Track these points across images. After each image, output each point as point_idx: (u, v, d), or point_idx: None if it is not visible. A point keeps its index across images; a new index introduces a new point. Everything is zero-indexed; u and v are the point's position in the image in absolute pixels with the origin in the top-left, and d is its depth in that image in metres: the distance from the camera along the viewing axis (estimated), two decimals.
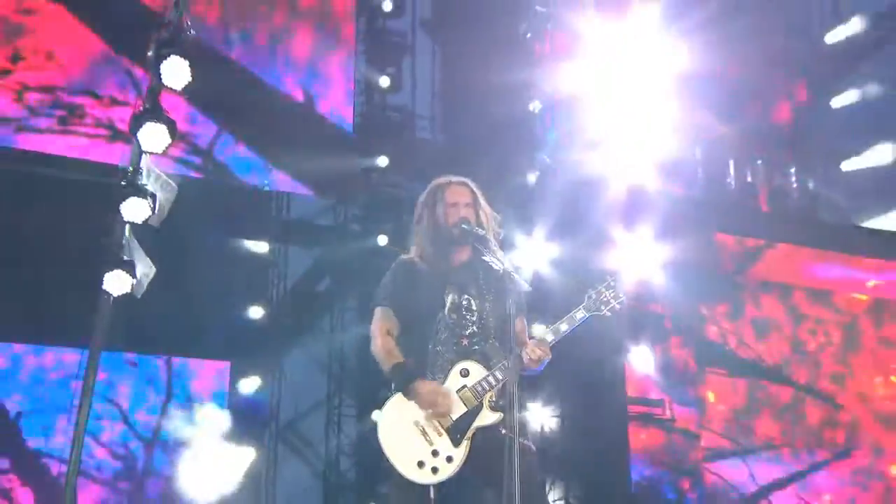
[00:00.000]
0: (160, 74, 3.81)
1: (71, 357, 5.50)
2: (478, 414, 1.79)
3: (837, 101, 9.11)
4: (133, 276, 3.73)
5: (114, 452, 6.05)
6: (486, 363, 1.84)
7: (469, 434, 1.77)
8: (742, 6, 8.42)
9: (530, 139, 7.28)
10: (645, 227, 6.68)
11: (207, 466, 5.93)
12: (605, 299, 1.94)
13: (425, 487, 1.72)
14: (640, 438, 7.12)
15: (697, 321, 7.83)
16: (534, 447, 2.00)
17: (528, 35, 7.19)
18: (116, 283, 3.66)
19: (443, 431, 1.77)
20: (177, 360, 6.45)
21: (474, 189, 2.10)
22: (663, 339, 7.39)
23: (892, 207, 8.97)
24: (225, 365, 6.64)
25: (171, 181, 4.09)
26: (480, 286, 2.00)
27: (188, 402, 6.37)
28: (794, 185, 8.81)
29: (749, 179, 8.65)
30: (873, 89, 9.04)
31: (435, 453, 1.73)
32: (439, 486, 1.73)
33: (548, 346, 1.84)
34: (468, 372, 1.84)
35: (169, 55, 3.73)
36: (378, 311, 2.06)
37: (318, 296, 7.60)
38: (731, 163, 8.55)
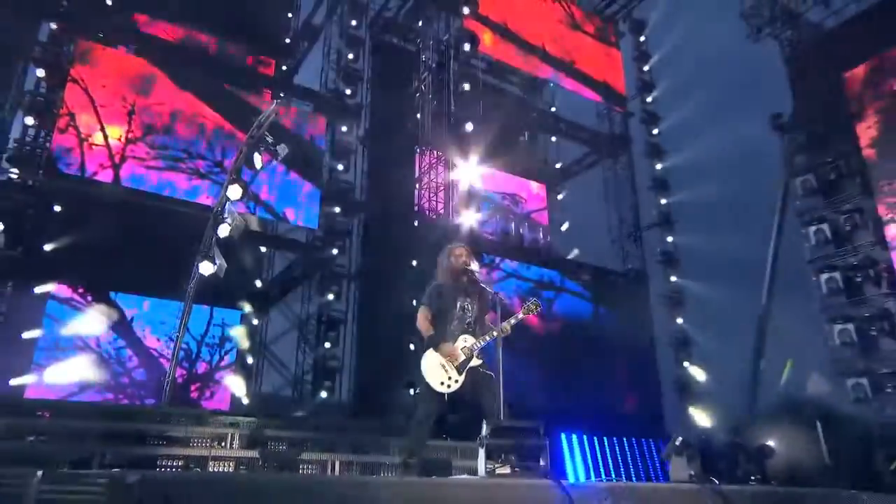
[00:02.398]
0: (248, 159, 6.23)
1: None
2: (470, 360, 3.55)
3: None
4: (215, 264, 7.11)
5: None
6: (475, 336, 3.62)
7: (465, 369, 3.52)
8: None
9: None
10: None
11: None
12: (531, 307, 3.69)
13: (443, 394, 3.48)
14: None
15: None
16: (490, 373, 3.59)
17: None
18: (206, 268, 7.16)
19: (453, 368, 3.50)
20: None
21: (467, 247, 4.01)
22: None
23: None
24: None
25: (239, 216, 7.85)
26: (473, 297, 3.76)
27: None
28: None
29: None
30: None
31: (449, 378, 3.49)
32: (449, 395, 3.49)
33: (509, 330, 3.54)
34: (466, 340, 3.61)
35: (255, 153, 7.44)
36: (422, 307, 3.79)
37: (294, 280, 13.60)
38: None
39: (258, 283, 13.34)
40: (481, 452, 3.23)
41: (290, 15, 14.68)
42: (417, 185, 13.60)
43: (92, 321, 10.41)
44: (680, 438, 8.23)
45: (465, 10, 12.88)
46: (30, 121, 10.27)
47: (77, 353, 10.29)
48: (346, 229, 13.02)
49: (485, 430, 3.33)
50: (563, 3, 16.04)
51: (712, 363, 13.22)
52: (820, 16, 13.77)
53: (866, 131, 13.43)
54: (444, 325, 3.66)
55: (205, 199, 11.44)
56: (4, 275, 9.69)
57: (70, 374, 9.95)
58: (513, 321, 3.56)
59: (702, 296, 13.57)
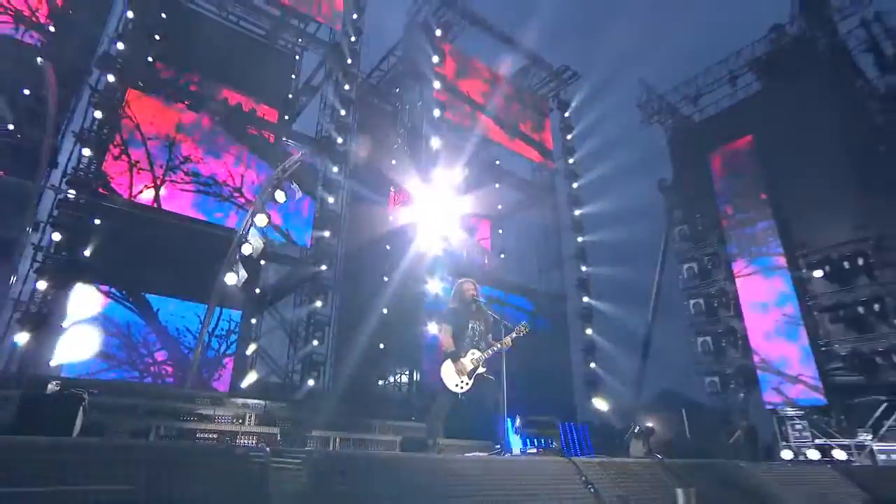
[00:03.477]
0: (272, 193, 8.62)
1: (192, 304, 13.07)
2: (476, 369, 4.35)
3: None
4: (238, 276, 10.14)
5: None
6: (480, 350, 4.41)
7: (473, 375, 4.33)
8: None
9: None
10: None
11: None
12: (522, 328, 4.42)
13: (456, 394, 4.30)
14: None
15: None
16: (492, 377, 4.42)
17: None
18: (231, 278, 10.38)
19: (464, 374, 4.30)
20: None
21: (474, 281, 4.85)
22: None
23: None
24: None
25: (260, 238, 10.27)
26: (480, 320, 4.59)
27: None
28: None
29: None
30: None
31: (462, 381, 4.29)
32: (461, 395, 4.31)
33: (510, 343, 4.37)
34: (474, 353, 4.40)
35: (277, 190, 9.22)
36: (444, 327, 4.56)
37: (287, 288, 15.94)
38: None
39: (257, 290, 15.97)
40: (517, 438, 4.88)
41: (293, 77, 17.86)
42: (391, 216, 17.00)
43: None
44: (637, 427, 11.39)
45: (437, 85, 16.55)
46: (87, 152, 12.67)
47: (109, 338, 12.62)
48: (333, 250, 15.83)
49: (518, 421, 5.34)
50: (510, 82, 20.18)
51: (611, 364, 16.95)
52: (690, 111, 18.61)
53: (722, 194, 18.14)
54: (459, 342, 4.48)
55: (216, 216, 14.16)
56: (60, 275, 11.90)
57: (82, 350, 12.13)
58: (514, 335, 4.42)
59: (606, 313, 17.33)
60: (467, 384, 4.34)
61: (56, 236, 11.40)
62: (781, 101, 15.22)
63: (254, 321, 15.63)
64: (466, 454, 4.72)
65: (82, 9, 13.90)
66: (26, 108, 11.97)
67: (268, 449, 2.52)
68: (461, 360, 4.38)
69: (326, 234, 15.77)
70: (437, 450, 4.55)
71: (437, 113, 16.13)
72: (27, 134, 11.92)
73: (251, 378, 14.24)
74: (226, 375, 14.34)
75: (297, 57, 18.62)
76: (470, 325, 4.55)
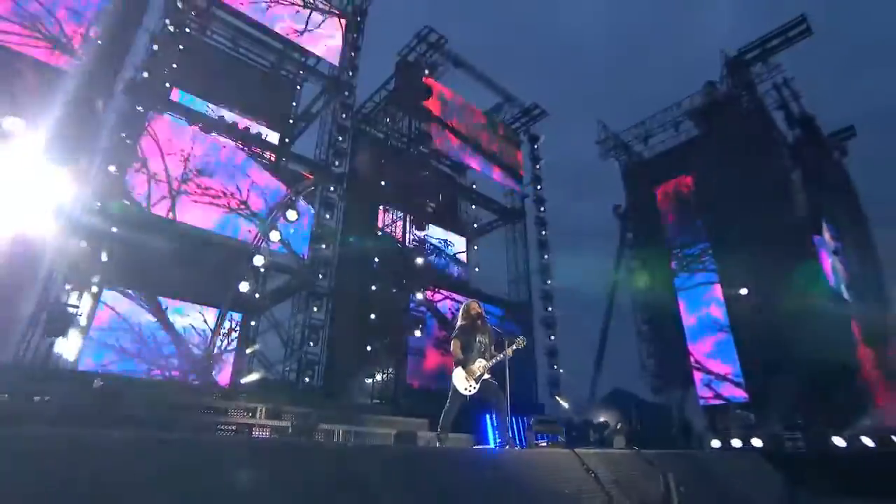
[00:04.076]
0: (284, 215, 10.54)
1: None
2: (482, 375, 4.97)
3: None
4: (251, 283, 12.58)
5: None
6: (486, 360, 5.01)
7: (479, 380, 4.95)
8: None
9: None
10: None
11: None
12: (519, 343, 4.97)
13: (465, 395, 4.94)
14: None
15: None
16: (495, 382, 4.92)
17: None
18: (244, 286, 13.00)
19: (472, 379, 4.94)
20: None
21: (479, 302, 5.50)
22: None
23: None
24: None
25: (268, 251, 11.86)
26: (484, 334, 5.17)
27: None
28: None
29: None
30: None
31: (470, 385, 4.93)
32: (469, 396, 4.96)
33: (511, 353, 4.95)
34: (480, 362, 4.98)
35: (289, 209, 10.63)
36: (455, 339, 5.13)
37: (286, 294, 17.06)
38: None
39: (256, 295, 17.54)
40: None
41: (294, 104, 19.76)
42: (380, 232, 18.93)
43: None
44: (619, 424, 13.24)
45: (426, 119, 18.74)
46: (112, 168, 14.16)
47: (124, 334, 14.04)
48: (329, 261, 17.48)
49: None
50: (486, 114, 22.60)
51: (570, 366, 19.17)
52: (641, 149, 21.43)
53: (667, 222, 20.89)
54: (468, 352, 5.09)
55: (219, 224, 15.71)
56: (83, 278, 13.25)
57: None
58: (514, 347, 5.04)
59: (566, 321, 19.62)
60: (474, 388, 4.98)
61: (82, 244, 12.62)
62: (714, 145, 18.05)
63: (253, 323, 17.18)
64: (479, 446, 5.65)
65: (110, 40, 15.50)
66: None
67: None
68: (469, 367, 5.02)
69: (324, 246, 17.42)
70: (443, 441, 5.19)
71: (425, 144, 18.22)
72: None
73: (253, 377, 15.78)
74: (226, 371, 15.83)
75: (298, 87, 20.53)
76: (476, 339, 5.18)
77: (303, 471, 2.83)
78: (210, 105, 17.21)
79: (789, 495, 7.09)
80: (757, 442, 15.85)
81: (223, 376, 15.88)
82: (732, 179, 17.20)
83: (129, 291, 14.64)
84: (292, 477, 2.76)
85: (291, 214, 12.61)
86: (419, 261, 16.40)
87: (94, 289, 13.74)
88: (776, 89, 17.44)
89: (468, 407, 5.14)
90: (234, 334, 16.33)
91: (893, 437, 14.60)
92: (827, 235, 17.73)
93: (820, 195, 16.91)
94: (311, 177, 15.80)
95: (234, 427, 8.47)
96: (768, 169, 16.90)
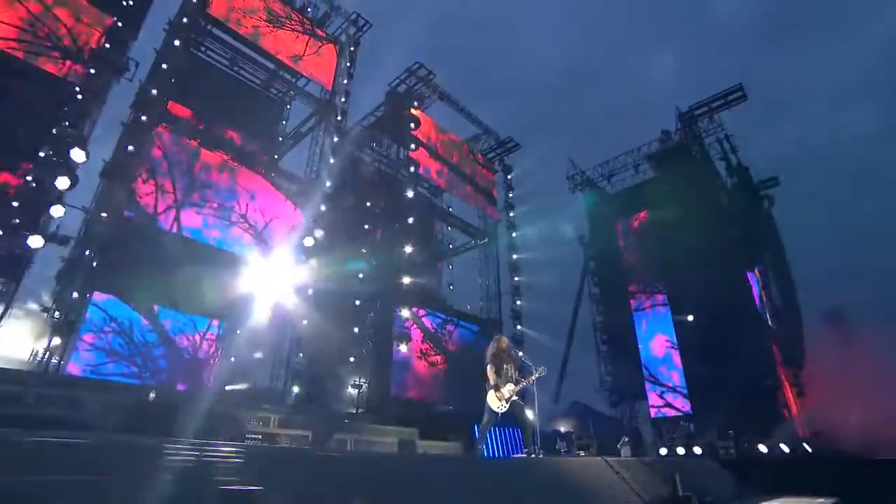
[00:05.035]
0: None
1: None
2: (511, 396, 6.49)
3: None
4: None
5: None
6: (514, 384, 6.52)
7: (509, 401, 6.49)
8: None
9: None
10: None
11: None
12: (541, 373, 6.52)
13: (497, 413, 6.44)
14: None
15: None
16: (522, 401, 6.57)
17: None
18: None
19: (503, 400, 6.41)
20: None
21: (506, 337, 7.21)
22: None
23: None
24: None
25: None
26: (511, 363, 6.70)
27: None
28: None
29: None
30: None
31: (501, 405, 6.42)
32: (500, 414, 6.50)
33: (534, 381, 6.57)
34: (509, 386, 6.49)
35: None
36: (489, 366, 6.56)
37: None
38: None
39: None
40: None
41: (284, 122, 20.73)
42: (364, 250, 20.11)
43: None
44: (625, 438, 14.95)
45: (413, 146, 20.21)
46: (116, 185, 14.65)
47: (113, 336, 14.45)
48: (319, 277, 18.49)
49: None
50: (466, 143, 24.39)
51: (537, 382, 21.08)
52: (605, 185, 23.95)
53: (626, 252, 23.37)
54: (499, 377, 6.26)
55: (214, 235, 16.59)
56: (85, 284, 13.64)
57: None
58: (536, 375, 6.23)
59: (533, 339, 21.47)
60: (505, 407, 6.24)
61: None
62: (667, 187, 20.71)
63: (238, 332, 17.84)
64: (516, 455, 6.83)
65: (118, 51, 16.00)
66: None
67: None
68: (501, 390, 6.22)
69: (314, 262, 18.44)
70: (478, 451, 6.53)
71: (412, 169, 19.67)
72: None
73: (239, 386, 16.50)
74: (210, 376, 16.40)
75: (288, 106, 21.47)
76: (504, 367, 6.40)
77: (337, 478, 3.47)
78: (207, 120, 17.88)
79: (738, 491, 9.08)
80: (697, 449, 18.20)
81: (207, 379, 16.48)
82: (681, 218, 19.78)
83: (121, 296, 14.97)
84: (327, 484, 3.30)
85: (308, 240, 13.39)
86: (406, 280, 17.67)
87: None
88: (719, 143, 20.34)
89: (498, 422, 6.48)
90: (218, 342, 16.91)
91: (804, 444, 17.41)
92: (756, 271, 20.66)
93: (752, 236, 19.79)
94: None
95: (259, 436, 9.04)
96: (710, 211, 19.62)
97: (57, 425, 5.61)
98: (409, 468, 4.45)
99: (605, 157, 23.36)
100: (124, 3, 15.04)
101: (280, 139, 20.57)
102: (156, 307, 15.50)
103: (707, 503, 6.31)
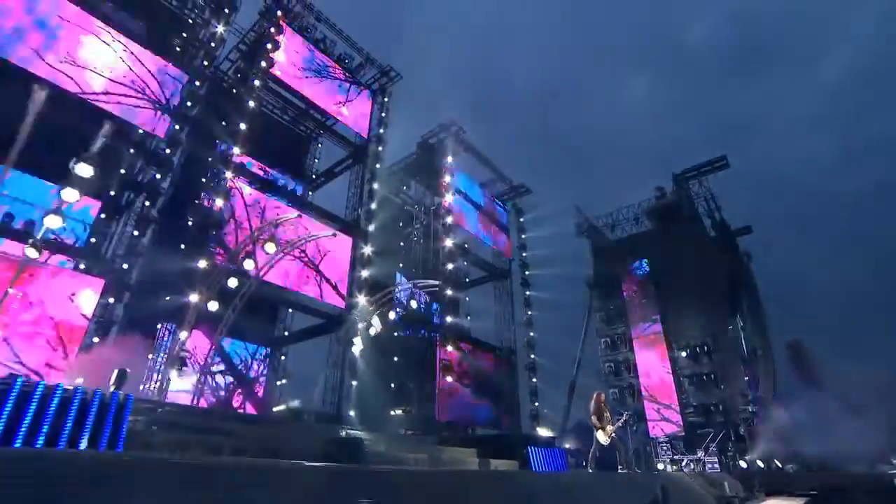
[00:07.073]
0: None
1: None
2: (612, 434, 10.01)
3: None
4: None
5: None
6: (612, 425, 10.09)
7: (610, 436, 9.96)
8: None
9: None
10: None
11: None
12: (626, 418, 11.17)
13: (603, 444, 10.03)
14: None
15: None
16: (619, 437, 10.45)
17: None
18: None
19: (606, 436, 9.88)
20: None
21: (602, 394, 10.37)
22: None
23: None
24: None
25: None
26: (606, 410, 10.26)
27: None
28: None
29: None
30: None
31: (606, 439, 9.88)
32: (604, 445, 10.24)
33: (623, 424, 10.81)
34: (609, 427, 9.95)
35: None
36: (593, 415, 9.92)
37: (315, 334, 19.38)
38: None
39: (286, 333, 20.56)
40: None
41: (317, 160, 23.32)
42: (399, 287, 22.67)
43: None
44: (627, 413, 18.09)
45: (448, 197, 23.08)
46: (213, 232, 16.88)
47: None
48: (363, 310, 20.97)
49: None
50: (482, 188, 27.51)
51: (549, 403, 24.02)
52: (608, 233, 27.55)
53: (626, 294, 26.85)
54: (600, 421, 9.31)
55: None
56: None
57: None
58: (625, 419, 10.22)
59: (545, 367, 24.53)
60: (608, 441, 9.24)
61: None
62: (664, 238, 24.39)
63: (283, 357, 20.21)
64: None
65: (201, 109, 18.31)
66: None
67: None
68: (605, 429, 9.34)
69: (359, 297, 20.78)
70: (591, 468, 9.29)
71: (449, 220, 22.44)
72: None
73: (293, 404, 18.87)
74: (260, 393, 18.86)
75: (319, 144, 23.93)
76: (604, 414, 9.41)
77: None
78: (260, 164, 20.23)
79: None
80: (688, 467, 21.50)
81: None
82: (675, 267, 23.36)
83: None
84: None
85: (269, 247, 15.40)
86: (449, 319, 20.29)
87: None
88: (706, 202, 24.19)
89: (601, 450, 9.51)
90: (264, 365, 19.35)
91: (776, 460, 21.10)
92: (738, 317, 24.48)
93: (735, 283, 23.59)
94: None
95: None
96: (699, 262, 23.29)
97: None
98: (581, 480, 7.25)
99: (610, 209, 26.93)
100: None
101: (314, 176, 23.01)
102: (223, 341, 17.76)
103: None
